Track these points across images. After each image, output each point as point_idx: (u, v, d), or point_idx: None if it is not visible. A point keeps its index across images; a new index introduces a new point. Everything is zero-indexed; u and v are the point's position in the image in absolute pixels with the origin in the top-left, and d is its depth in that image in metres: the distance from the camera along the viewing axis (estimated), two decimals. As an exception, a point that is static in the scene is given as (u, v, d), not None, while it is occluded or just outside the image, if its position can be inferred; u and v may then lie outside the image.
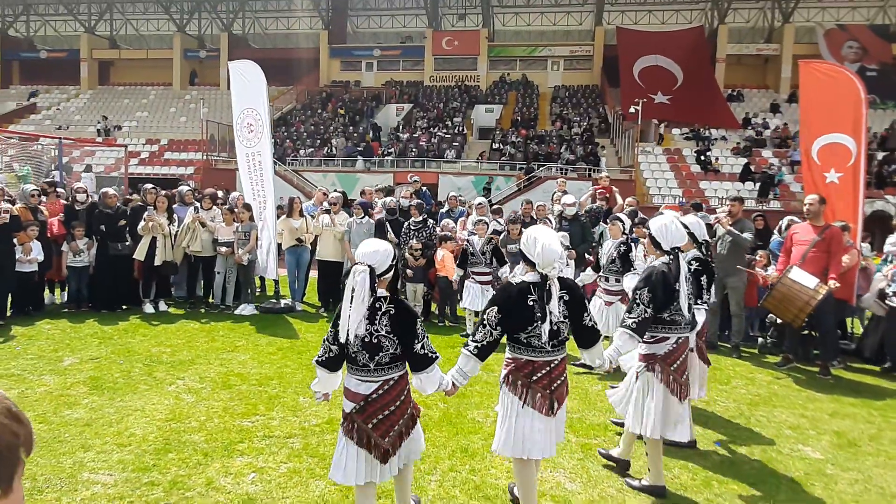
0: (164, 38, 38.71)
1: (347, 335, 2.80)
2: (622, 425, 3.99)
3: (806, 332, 6.66)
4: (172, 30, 37.15)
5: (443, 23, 37.57)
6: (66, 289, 8.23)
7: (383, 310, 2.82)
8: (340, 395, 3.01)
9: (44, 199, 8.19)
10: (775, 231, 8.13)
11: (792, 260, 6.28)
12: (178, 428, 4.37)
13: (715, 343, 7.14)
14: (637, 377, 3.70)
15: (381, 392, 2.86)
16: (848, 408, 5.31)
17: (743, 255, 6.95)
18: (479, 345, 3.07)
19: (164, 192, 8.32)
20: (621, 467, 3.88)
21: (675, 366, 3.62)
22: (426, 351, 2.88)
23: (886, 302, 6.53)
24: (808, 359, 6.67)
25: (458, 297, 7.52)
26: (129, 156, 22.61)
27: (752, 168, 22.67)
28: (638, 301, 3.54)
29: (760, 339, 7.44)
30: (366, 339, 2.82)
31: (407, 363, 2.93)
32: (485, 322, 3.09)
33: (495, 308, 3.08)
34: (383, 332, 2.81)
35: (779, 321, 6.74)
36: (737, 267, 6.76)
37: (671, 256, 3.60)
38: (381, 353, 2.83)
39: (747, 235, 6.75)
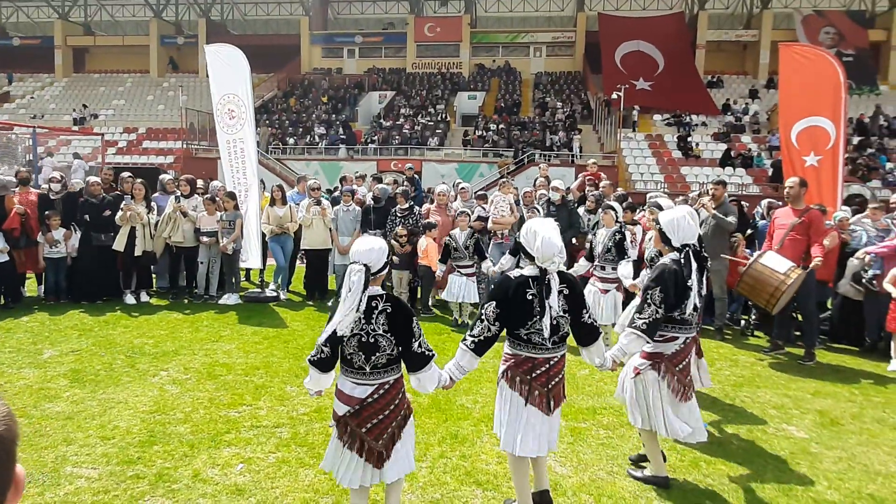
0: (140, 25, 37.81)
1: (334, 334, 2.73)
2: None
3: (791, 313, 6.74)
4: (149, 15, 36.28)
5: (425, 9, 37.21)
6: (44, 281, 8.06)
7: (380, 308, 2.76)
8: (332, 393, 2.96)
9: (17, 189, 7.99)
10: (756, 215, 8.21)
11: (773, 243, 6.32)
12: (162, 420, 4.30)
13: (699, 326, 7.20)
14: (636, 373, 3.53)
15: (375, 396, 2.80)
16: (829, 387, 5.40)
17: (726, 238, 7.00)
18: (477, 340, 3.01)
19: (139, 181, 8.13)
20: (662, 485, 3.54)
21: (680, 366, 3.48)
22: (423, 349, 2.82)
23: (863, 283, 6.62)
24: (791, 340, 6.76)
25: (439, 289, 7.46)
26: (106, 145, 22.20)
27: (732, 153, 22.89)
28: (649, 301, 3.33)
29: (743, 321, 7.53)
30: (362, 339, 2.74)
31: (403, 365, 2.88)
32: (483, 317, 3.01)
33: (493, 303, 3.01)
34: (380, 332, 2.74)
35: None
36: (721, 255, 6.79)
37: (682, 253, 3.43)
38: (377, 354, 2.76)
39: (731, 219, 6.80)
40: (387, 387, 2.82)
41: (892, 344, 6.22)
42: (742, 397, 5.08)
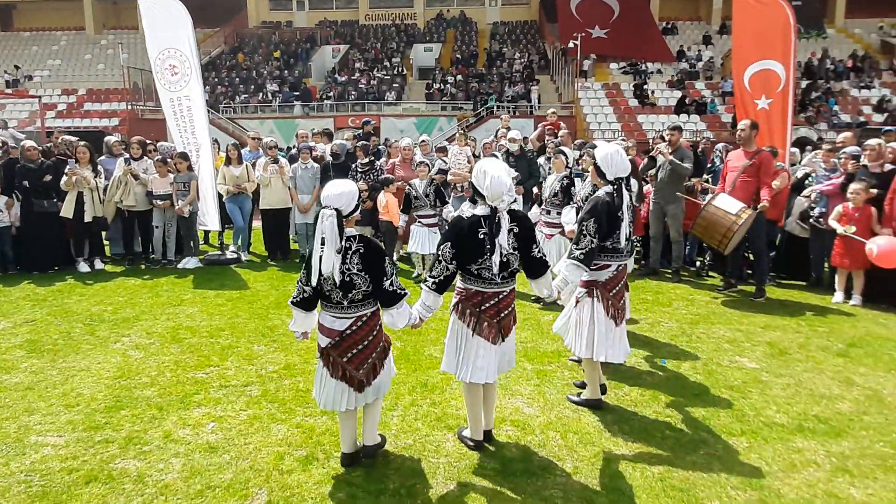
0: (70, -23, 35.34)
1: (321, 276, 2.91)
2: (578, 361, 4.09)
3: (742, 253, 6.99)
4: (79, -33, 33.92)
5: (375, -44, 35.82)
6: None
7: (353, 249, 2.93)
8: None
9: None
10: (715, 158, 8.38)
11: (725, 185, 6.50)
12: (128, 385, 4.25)
13: (657, 269, 7.44)
14: (577, 302, 3.79)
15: (354, 328, 3.02)
16: (778, 320, 5.69)
17: (682, 182, 7.16)
18: (437, 280, 3.17)
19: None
20: (595, 406, 3.85)
21: (613, 291, 3.73)
22: (395, 287, 3.02)
23: (810, 222, 6.89)
24: (743, 278, 7.04)
25: (404, 243, 7.44)
26: (44, 108, 21.04)
27: (686, 100, 23.17)
28: (584, 232, 3.58)
29: (698, 263, 7.79)
30: (339, 278, 2.91)
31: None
32: (440, 258, 3.16)
33: (448, 243, 3.14)
34: (355, 271, 2.93)
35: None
36: (677, 194, 6.97)
37: (615, 186, 3.64)
38: (354, 291, 2.96)
39: (687, 164, 6.94)
40: (364, 318, 3.04)
41: (836, 277, 6.54)
42: (698, 333, 5.31)
